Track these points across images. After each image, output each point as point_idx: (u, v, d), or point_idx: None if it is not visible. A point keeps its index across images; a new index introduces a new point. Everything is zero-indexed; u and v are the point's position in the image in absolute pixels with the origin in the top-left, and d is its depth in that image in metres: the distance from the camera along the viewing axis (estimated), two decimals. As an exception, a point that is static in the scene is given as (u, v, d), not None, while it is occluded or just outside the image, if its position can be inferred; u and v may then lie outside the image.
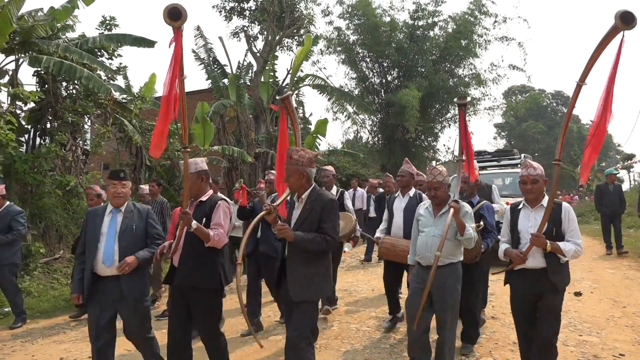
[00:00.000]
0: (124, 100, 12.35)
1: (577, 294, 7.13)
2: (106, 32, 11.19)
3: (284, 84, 19.10)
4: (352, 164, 20.76)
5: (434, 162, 25.43)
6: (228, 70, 18.05)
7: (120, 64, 11.19)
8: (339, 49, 25.72)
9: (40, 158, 8.85)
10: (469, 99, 4.98)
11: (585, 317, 6.00)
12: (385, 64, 26.08)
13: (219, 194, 4.30)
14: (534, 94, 37.65)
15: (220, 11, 20.86)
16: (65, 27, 10.52)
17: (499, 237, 4.12)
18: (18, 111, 9.53)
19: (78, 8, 10.07)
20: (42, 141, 9.77)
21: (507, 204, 8.29)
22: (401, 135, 23.76)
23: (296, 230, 3.37)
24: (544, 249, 3.49)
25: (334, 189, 6.24)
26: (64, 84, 9.99)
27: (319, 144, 17.74)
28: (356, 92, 26.21)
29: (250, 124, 17.10)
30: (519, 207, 3.83)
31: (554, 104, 59.69)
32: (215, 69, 17.60)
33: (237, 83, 16.61)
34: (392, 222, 5.39)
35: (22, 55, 9.49)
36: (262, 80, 18.09)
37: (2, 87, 9.29)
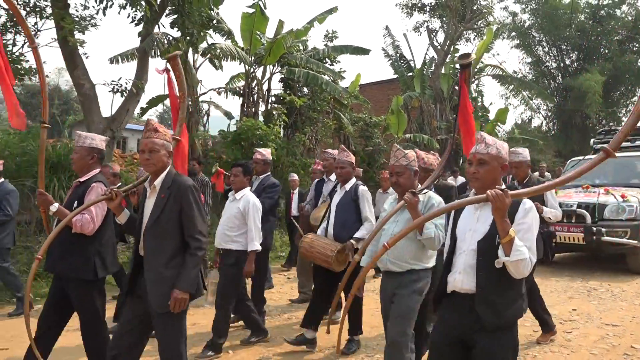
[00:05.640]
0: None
1: None
2: (330, 44, 13.99)
3: (463, 75, 20.46)
4: (529, 150, 21.31)
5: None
6: (412, 64, 20.03)
7: (341, 68, 13.86)
8: (513, 34, 25.96)
9: (292, 146, 11.88)
10: (473, 56, 4.86)
11: None
12: (563, 47, 25.63)
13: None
14: None
15: (402, 8, 22.81)
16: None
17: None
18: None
19: (314, 27, 12.90)
20: (288, 132, 12.92)
21: (623, 196, 7.90)
22: (580, 121, 23.44)
23: (149, 227, 2.80)
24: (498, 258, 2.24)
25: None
26: (304, 89, 12.97)
27: (498, 132, 18.86)
28: (530, 76, 26.27)
29: (433, 112, 18.93)
30: None
31: None
32: (402, 64, 19.71)
33: (421, 76, 18.53)
34: (329, 220, 4.51)
35: (276, 68, 12.62)
36: (443, 72, 19.70)
37: (260, 92, 12.53)
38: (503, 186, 2.26)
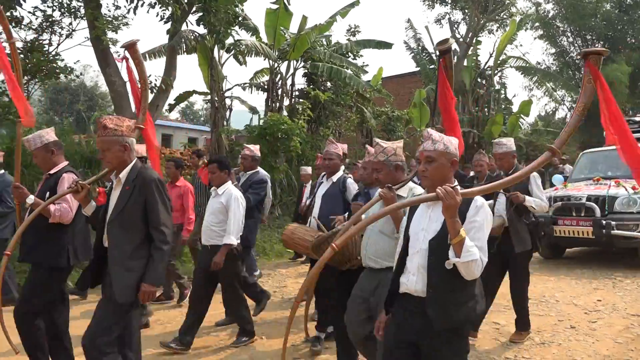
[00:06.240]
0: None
1: None
2: (352, 38, 14.12)
3: (486, 67, 20.34)
4: (551, 142, 21.10)
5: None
6: (434, 57, 19.97)
7: (363, 62, 14.00)
8: (536, 24, 25.60)
9: (316, 140, 12.07)
10: (452, 42, 3.48)
11: None
12: (588, 37, 25.18)
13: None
14: None
15: (424, 0, 22.70)
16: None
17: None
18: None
19: (337, 21, 13.04)
20: (312, 126, 13.12)
21: (634, 188, 7.53)
22: (605, 112, 23.08)
23: (112, 219, 2.86)
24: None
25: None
26: (328, 83, 13.15)
27: (522, 124, 18.75)
28: (554, 67, 25.92)
29: (455, 105, 18.89)
30: None
31: None
32: (424, 57, 19.69)
33: (443, 69, 18.51)
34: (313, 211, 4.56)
35: (300, 63, 12.81)
36: (465, 64, 19.59)
37: (283, 86, 12.74)
38: (455, 183, 2.24)
